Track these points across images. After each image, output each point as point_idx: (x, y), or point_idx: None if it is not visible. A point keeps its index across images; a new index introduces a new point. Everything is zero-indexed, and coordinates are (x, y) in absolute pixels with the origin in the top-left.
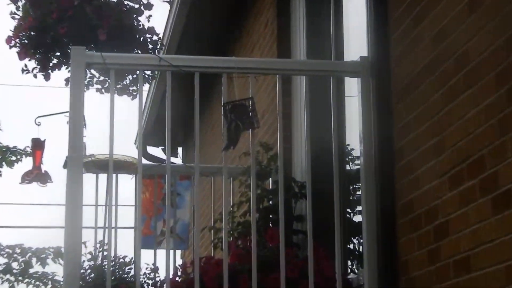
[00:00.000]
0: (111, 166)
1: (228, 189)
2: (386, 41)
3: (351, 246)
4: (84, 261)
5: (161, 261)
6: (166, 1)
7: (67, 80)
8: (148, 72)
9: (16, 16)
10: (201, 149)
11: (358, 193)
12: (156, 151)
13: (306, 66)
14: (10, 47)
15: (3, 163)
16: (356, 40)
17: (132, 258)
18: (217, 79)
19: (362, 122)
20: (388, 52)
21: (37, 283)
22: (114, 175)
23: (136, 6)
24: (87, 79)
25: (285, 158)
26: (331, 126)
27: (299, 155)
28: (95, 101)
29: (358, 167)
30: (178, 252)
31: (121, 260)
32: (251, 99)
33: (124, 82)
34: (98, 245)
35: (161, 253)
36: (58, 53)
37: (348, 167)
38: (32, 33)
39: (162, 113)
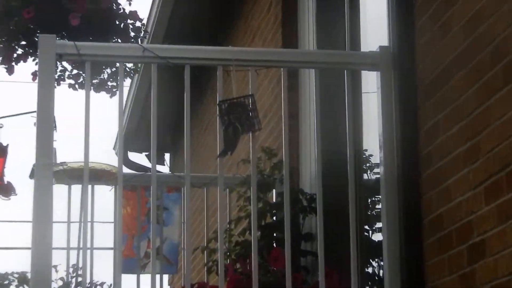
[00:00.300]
0: (86, 175)
1: (225, 202)
2: (410, 29)
3: (370, 270)
4: None
5: None
6: None
7: (34, 74)
8: (129, 65)
9: None
10: (193, 156)
11: (377, 207)
12: (140, 158)
13: (317, 57)
14: None
15: None
16: (375, 28)
17: (111, 285)
18: (211, 73)
19: (382, 124)
20: (412, 41)
21: None
22: (89, 186)
23: None
24: (58, 73)
25: (291, 166)
26: (346, 129)
27: (308, 162)
28: (67, 99)
29: (378, 176)
30: (166, 277)
31: (98, 287)
32: (251, 97)
33: (102, 77)
34: (71, 270)
35: (146, 278)
36: (23, 42)
37: (365, 177)
38: None
39: (146, 113)
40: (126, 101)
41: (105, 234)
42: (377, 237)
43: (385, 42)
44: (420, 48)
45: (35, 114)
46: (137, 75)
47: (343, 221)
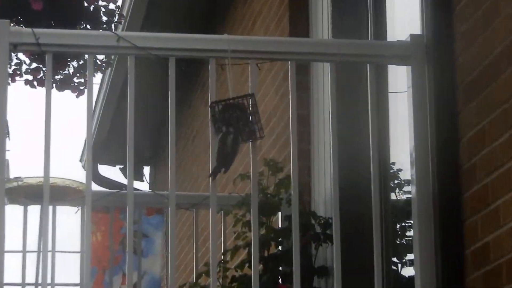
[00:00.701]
0: (46, 194)
1: (218, 228)
2: (447, 14)
3: None
4: None
5: None
6: None
7: None
8: (101, 57)
9: None
10: (178, 170)
11: (408, 234)
12: (113, 172)
13: (332, 48)
14: None
15: None
16: (404, 13)
17: None
18: (201, 68)
19: (414, 131)
20: (450, 29)
21: None
22: (50, 207)
23: None
24: (13, 67)
25: (300, 183)
26: (369, 137)
27: (322, 178)
28: (23, 99)
29: (409, 196)
30: None
31: None
32: (251, 97)
33: (67, 71)
34: None
35: None
36: None
37: (393, 197)
38: None
39: (121, 116)
40: (96, 101)
41: (69, 267)
42: (408, 271)
43: (417, 30)
44: (460, 37)
45: None
46: (110, 69)
47: (365, 252)
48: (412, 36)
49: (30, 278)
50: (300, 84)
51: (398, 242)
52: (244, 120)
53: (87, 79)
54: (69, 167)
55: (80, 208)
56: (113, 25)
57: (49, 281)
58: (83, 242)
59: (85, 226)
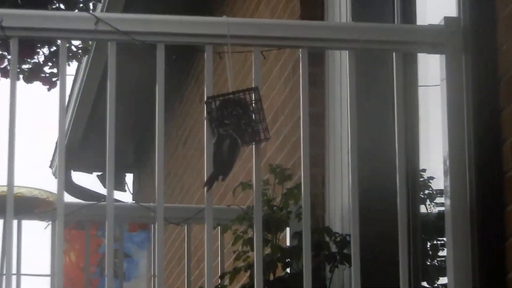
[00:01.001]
0: (10, 206)
1: (215, 246)
2: None
3: None
4: None
5: None
6: None
7: None
8: (76, 43)
9: None
10: (168, 177)
11: (441, 254)
12: (89, 181)
13: (352, 33)
14: None
15: None
16: None
17: None
18: (195, 57)
19: (448, 133)
20: (492, 11)
21: None
22: (15, 222)
23: None
24: None
25: (313, 194)
26: (394, 139)
27: (339, 188)
28: None
29: (442, 209)
30: None
31: None
32: (255, 91)
33: (36, 60)
34: None
35: None
36: None
37: (423, 210)
38: None
39: (99, 114)
40: (70, 96)
41: None
42: None
43: (452, 12)
44: (503, 21)
45: None
46: (86, 58)
47: (389, 275)
48: (447, 19)
49: None
50: (313, 76)
51: (428, 263)
52: (246, 119)
53: (59, 69)
54: (38, 174)
55: (50, 223)
56: (91, 4)
57: None
58: (54, 263)
59: (56, 244)
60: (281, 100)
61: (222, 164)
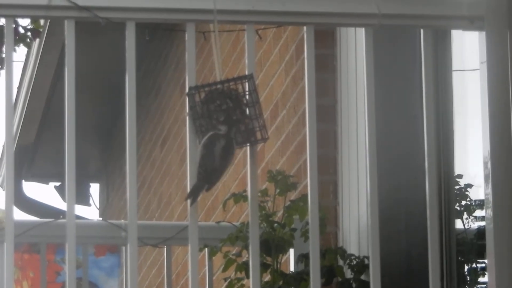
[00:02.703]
0: None
1: (201, 272)
2: None
3: None
4: None
5: None
6: None
7: None
8: (25, 23)
9: None
10: (141, 189)
11: (481, 280)
12: (44, 193)
13: (369, 6)
14: None
15: None
16: None
17: None
18: (174, 37)
19: (490, 128)
20: None
21: None
22: None
23: None
24: None
25: (323, 207)
26: (423, 137)
27: (354, 199)
28: None
29: (482, 224)
30: None
31: None
32: (249, 80)
33: None
34: None
35: None
36: None
37: (459, 225)
38: None
39: (55, 110)
40: (20, 87)
41: None
42: None
43: None
44: None
45: None
46: (38, 41)
47: None
48: None
49: None
50: (322, 60)
51: None
52: (238, 115)
53: (4, 54)
54: None
55: None
56: None
57: None
58: None
59: (5, 272)
60: (282, 90)
61: (209, 172)
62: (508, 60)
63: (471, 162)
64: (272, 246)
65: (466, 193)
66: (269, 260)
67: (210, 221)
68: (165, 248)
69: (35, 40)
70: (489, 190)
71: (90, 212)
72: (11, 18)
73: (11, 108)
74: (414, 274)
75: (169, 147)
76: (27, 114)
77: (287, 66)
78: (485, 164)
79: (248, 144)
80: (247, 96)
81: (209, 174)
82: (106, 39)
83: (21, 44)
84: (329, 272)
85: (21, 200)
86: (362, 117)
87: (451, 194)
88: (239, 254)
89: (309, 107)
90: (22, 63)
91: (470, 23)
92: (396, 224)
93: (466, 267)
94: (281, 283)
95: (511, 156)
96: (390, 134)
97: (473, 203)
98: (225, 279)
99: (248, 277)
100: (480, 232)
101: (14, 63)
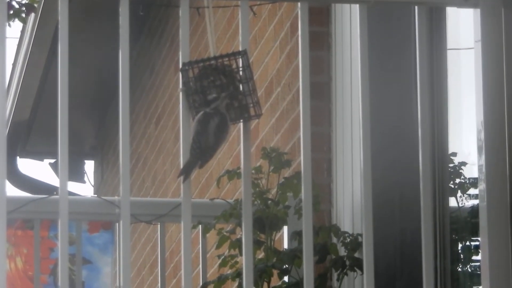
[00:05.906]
0: None
1: (195, 250)
2: None
3: None
4: None
5: None
6: None
7: None
8: None
9: None
10: (136, 166)
11: (475, 258)
12: (38, 169)
13: None
14: None
15: None
16: None
17: None
18: (168, 13)
19: (484, 106)
20: None
21: None
22: None
23: None
24: None
25: (317, 184)
26: (417, 115)
27: (348, 177)
28: None
29: (476, 202)
30: None
31: None
32: (242, 56)
33: None
34: None
35: None
36: None
37: (453, 203)
38: None
39: (50, 87)
40: (14, 65)
41: None
42: None
43: None
44: None
45: None
46: (33, 16)
47: (411, 283)
48: None
49: None
50: (316, 38)
51: (459, 269)
52: (231, 91)
53: None
54: None
55: None
56: None
57: None
58: None
59: None
60: (276, 68)
61: (203, 150)
62: (503, 39)
63: (465, 140)
64: (266, 224)
65: (460, 171)
66: (262, 237)
67: (204, 198)
68: (159, 225)
69: (29, 15)
70: (483, 167)
71: (85, 189)
72: None
73: (3, 84)
74: (408, 251)
75: (163, 124)
76: (22, 91)
77: (282, 43)
78: (479, 141)
79: (241, 120)
80: (240, 72)
81: (203, 151)
82: (101, 17)
83: (15, 19)
84: (323, 250)
85: (14, 177)
86: (357, 94)
87: (445, 172)
88: (233, 231)
89: (302, 84)
90: (18, 39)
91: (464, 1)
92: (390, 202)
93: (460, 245)
94: (274, 260)
95: (504, 134)
96: (384, 112)
97: (467, 181)
98: (219, 257)
99: (241, 254)
100: (474, 210)
101: (8, 39)
